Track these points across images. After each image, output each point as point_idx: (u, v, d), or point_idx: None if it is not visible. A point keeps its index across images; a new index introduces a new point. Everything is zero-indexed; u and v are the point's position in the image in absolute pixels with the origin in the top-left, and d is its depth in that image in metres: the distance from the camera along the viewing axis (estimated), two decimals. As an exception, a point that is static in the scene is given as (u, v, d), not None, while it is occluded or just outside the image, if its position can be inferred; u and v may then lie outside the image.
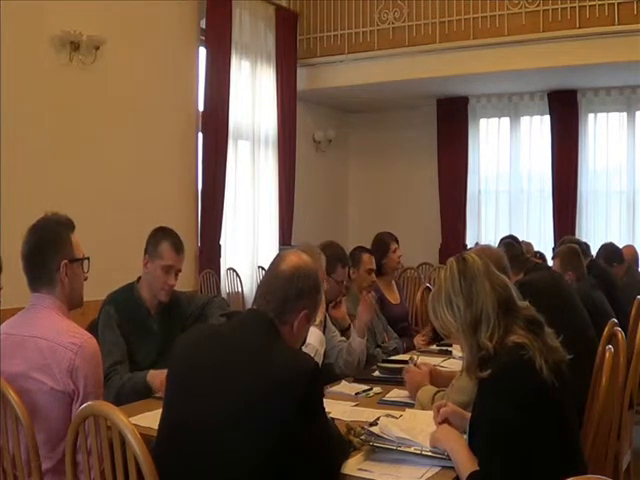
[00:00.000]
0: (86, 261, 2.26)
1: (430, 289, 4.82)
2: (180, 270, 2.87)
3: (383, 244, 4.40)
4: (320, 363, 2.81)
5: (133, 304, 2.82)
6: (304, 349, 2.74)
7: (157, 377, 2.54)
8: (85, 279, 2.28)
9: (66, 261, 2.17)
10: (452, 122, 8.23)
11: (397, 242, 4.51)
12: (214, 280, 6.34)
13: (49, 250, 2.18)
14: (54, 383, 2.01)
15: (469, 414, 1.98)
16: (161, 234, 2.86)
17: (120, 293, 2.87)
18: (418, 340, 4.06)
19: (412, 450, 1.89)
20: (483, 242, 8.03)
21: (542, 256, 5.91)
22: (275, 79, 7.24)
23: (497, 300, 1.82)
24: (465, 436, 1.85)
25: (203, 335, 1.90)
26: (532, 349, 1.73)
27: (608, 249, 5.26)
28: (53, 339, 2.04)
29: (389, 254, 4.35)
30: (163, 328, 2.83)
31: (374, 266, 4.01)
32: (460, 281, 1.86)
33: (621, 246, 5.66)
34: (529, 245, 6.05)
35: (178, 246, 2.85)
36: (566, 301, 3.44)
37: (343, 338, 3.25)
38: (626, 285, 4.78)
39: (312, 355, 2.62)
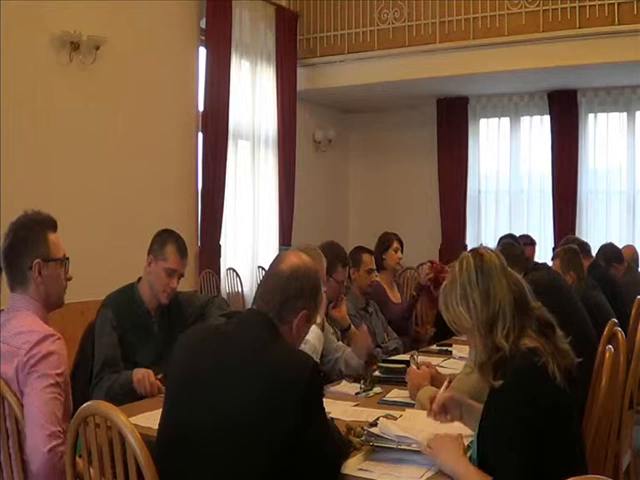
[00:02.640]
0: (66, 261, 2.22)
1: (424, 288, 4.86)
2: (183, 275, 2.86)
3: (386, 240, 4.53)
4: (317, 360, 2.81)
5: (133, 305, 2.81)
6: (303, 346, 2.74)
7: (143, 381, 2.55)
8: (69, 279, 2.24)
9: (39, 260, 2.13)
10: (452, 122, 8.23)
11: (401, 245, 4.57)
12: (214, 280, 6.34)
13: (22, 249, 2.15)
14: (18, 386, 1.99)
15: (467, 400, 1.97)
16: (167, 236, 2.86)
17: (120, 294, 2.86)
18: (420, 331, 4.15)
19: (412, 447, 1.89)
20: (483, 242, 8.03)
21: (532, 242, 5.99)
22: (275, 79, 7.24)
23: (513, 299, 1.76)
24: (460, 436, 1.85)
25: (202, 336, 1.89)
26: (545, 355, 1.68)
27: (607, 249, 5.26)
28: (12, 342, 2.02)
29: (389, 250, 4.43)
30: (163, 329, 2.83)
31: (374, 266, 4.01)
32: (477, 275, 1.78)
33: (621, 246, 5.66)
34: (526, 237, 6.09)
35: (183, 251, 2.85)
36: (566, 301, 3.44)
37: (340, 343, 3.24)
38: (626, 285, 4.78)
39: (311, 353, 2.62)
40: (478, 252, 1.84)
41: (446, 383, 2.13)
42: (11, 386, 1.99)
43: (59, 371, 2.02)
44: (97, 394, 2.60)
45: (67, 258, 2.24)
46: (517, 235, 5.58)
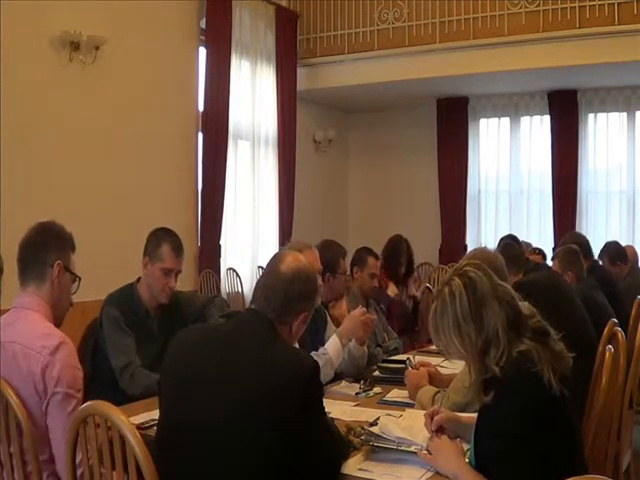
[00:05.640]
0: (78, 281, 2.21)
1: (430, 289, 4.83)
2: (180, 271, 2.85)
3: (397, 251, 4.84)
4: (332, 373, 2.80)
5: (133, 305, 2.81)
6: (321, 356, 2.73)
7: None
8: (71, 304, 2.23)
9: (61, 262, 2.13)
10: (452, 122, 8.24)
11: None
12: (214, 280, 6.34)
13: (50, 244, 2.14)
14: (29, 389, 1.96)
15: (465, 417, 1.97)
16: (161, 235, 2.84)
17: (119, 294, 2.85)
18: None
19: (412, 449, 1.89)
20: (483, 242, 8.05)
21: (541, 252, 5.94)
22: (275, 79, 7.25)
23: (506, 318, 1.72)
24: (458, 440, 1.84)
25: (201, 335, 1.89)
26: (539, 361, 1.65)
27: (612, 248, 5.25)
28: (26, 344, 1.98)
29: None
30: (163, 329, 2.82)
31: (378, 271, 3.99)
32: (469, 305, 1.72)
33: (621, 246, 5.65)
34: (528, 245, 6.06)
35: (178, 249, 2.83)
36: (566, 301, 3.44)
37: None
38: (629, 286, 4.78)
39: (323, 363, 2.59)
40: (467, 275, 1.77)
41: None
42: (31, 386, 1.95)
43: (79, 386, 2.00)
44: (132, 387, 2.64)
45: (79, 278, 2.22)
46: (520, 239, 5.54)
